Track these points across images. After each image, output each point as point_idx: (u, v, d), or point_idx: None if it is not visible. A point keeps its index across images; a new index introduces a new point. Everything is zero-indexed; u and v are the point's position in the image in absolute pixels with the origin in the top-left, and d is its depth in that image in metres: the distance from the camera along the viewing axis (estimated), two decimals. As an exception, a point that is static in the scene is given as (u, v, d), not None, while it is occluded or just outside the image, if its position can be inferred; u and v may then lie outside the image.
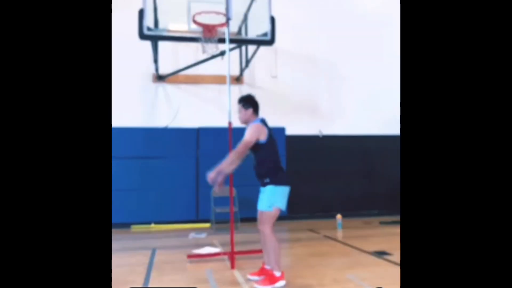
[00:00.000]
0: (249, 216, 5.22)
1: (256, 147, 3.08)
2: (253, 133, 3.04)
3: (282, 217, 7.24)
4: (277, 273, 2.99)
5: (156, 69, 6.40)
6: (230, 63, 3.98)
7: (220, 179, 2.98)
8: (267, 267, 3.11)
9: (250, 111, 3.24)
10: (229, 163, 2.99)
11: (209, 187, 6.33)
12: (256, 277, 3.16)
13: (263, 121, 3.19)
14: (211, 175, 2.96)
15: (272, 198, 3.02)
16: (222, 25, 4.49)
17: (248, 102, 3.26)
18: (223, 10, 4.26)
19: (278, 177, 3.07)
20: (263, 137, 3.07)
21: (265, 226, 3.03)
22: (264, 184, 3.09)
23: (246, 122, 3.24)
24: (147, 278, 3.33)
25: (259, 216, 3.10)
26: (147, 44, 5.63)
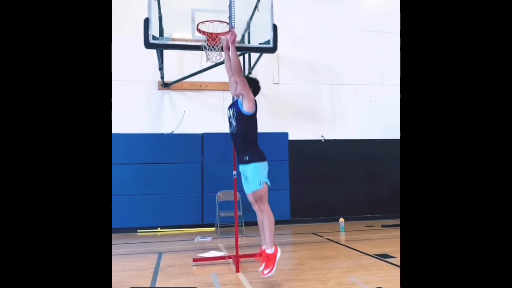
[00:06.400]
0: (253, 220, 5.28)
1: (244, 118, 3.17)
2: (250, 91, 3.13)
3: (285, 220, 7.23)
4: (271, 251, 3.08)
5: (162, 77, 6.49)
6: (233, 70, 4.06)
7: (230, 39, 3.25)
8: (264, 247, 3.19)
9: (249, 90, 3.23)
10: (235, 52, 3.20)
11: (213, 191, 6.46)
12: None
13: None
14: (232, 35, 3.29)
15: (260, 175, 3.12)
16: (225, 33, 4.57)
17: (252, 83, 3.29)
18: (226, 19, 4.36)
19: (258, 154, 3.18)
20: (251, 105, 3.15)
21: (265, 204, 3.14)
22: (244, 162, 3.18)
23: (238, 96, 3.28)
24: (153, 282, 3.39)
25: (254, 198, 3.18)
26: (153, 52, 5.74)
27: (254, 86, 3.32)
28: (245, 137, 3.20)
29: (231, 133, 3.32)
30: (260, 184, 3.11)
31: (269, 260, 3.09)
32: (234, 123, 3.24)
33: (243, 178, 3.31)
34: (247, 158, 3.16)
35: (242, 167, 3.26)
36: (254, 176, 3.14)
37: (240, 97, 3.22)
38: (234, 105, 3.27)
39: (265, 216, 3.15)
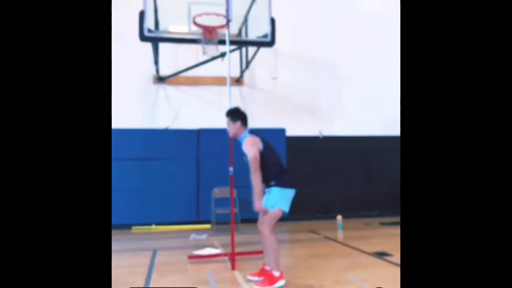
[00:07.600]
0: (250, 217, 5.21)
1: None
2: (253, 147, 3.06)
3: (282, 218, 7.23)
4: (276, 273, 3.01)
5: (157, 71, 6.41)
6: (230, 64, 3.99)
7: (260, 204, 3.04)
8: (267, 267, 3.13)
9: (238, 123, 3.23)
10: (257, 186, 3.01)
11: (209, 188, 6.39)
12: (256, 278, 3.17)
13: (253, 132, 3.21)
14: (258, 206, 3.02)
15: (276, 199, 3.05)
16: (222, 26, 4.49)
17: (236, 115, 3.26)
18: (223, 12, 4.27)
19: (284, 180, 3.10)
20: (259, 147, 3.11)
21: (265, 226, 3.05)
22: (270, 186, 3.12)
23: (236, 135, 3.27)
24: (148, 279, 3.33)
25: (260, 216, 3.12)
26: (148, 45, 5.63)
27: (242, 119, 3.25)
28: (266, 170, 3.11)
29: None
30: (272, 207, 3.03)
31: (269, 279, 3.00)
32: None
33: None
34: (273, 183, 3.10)
35: (267, 189, 3.19)
36: (270, 198, 3.07)
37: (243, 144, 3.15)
38: (243, 153, 3.17)
39: (265, 239, 3.07)
